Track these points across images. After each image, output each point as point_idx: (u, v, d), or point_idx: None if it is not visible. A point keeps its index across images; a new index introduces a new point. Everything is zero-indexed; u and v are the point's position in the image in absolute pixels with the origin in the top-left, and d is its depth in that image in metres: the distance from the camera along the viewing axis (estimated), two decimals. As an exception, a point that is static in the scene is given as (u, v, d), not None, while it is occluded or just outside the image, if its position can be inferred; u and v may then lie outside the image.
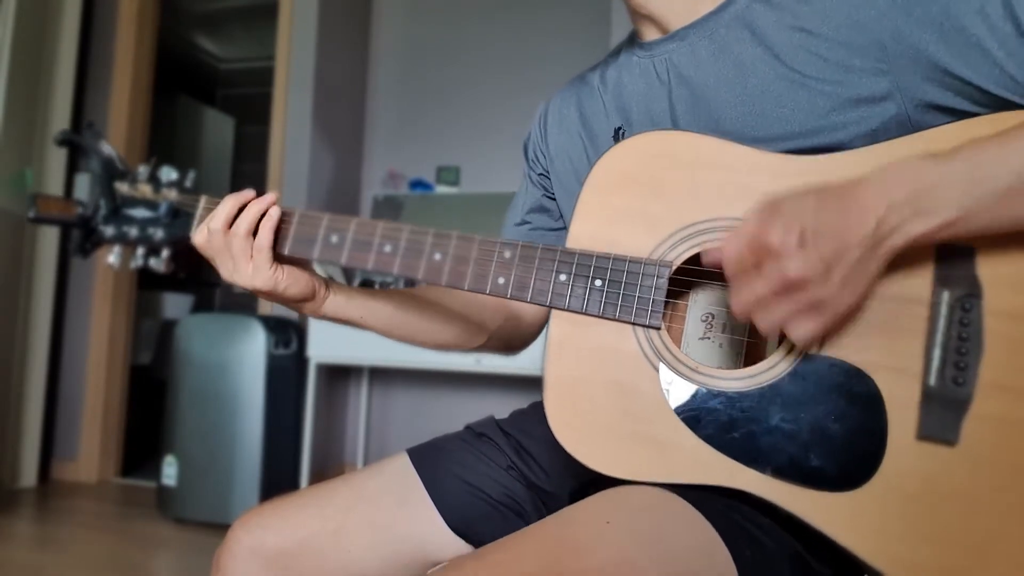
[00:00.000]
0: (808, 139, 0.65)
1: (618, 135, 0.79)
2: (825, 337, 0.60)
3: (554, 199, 0.90)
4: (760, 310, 0.55)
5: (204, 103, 5.07)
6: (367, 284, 2.70)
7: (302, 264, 0.76)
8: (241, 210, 0.73)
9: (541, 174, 0.91)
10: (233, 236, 0.72)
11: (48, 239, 2.96)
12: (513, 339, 0.94)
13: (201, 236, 0.73)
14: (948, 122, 0.61)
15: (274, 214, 0.73)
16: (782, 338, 0.62)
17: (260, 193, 0.74)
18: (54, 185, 2.95)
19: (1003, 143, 0.55)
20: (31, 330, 2.89)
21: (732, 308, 0.57)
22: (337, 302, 0.78)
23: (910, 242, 0.55)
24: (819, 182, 0.58)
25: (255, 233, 0.72)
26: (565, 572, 0.52)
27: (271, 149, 3.02)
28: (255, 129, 4.97)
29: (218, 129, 5.17)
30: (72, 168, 3.06)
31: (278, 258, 0.74)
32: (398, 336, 0.84)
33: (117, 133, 3.11)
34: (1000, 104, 0.59)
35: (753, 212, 0.56)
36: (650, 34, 0.77)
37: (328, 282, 0.78)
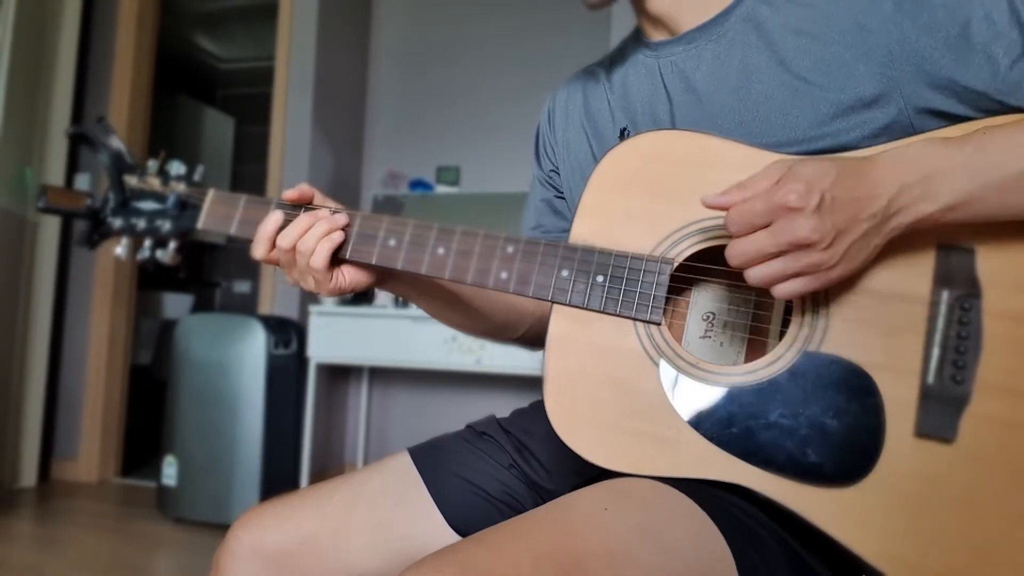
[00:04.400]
0: (811, 144, 0.65)
1: (623, 135, 0.79)
2: (825, 334, 0.60)
3: (563, 198, 0.90)
4: (758, 263, 0.56)
5: (204, 103, 5.07)
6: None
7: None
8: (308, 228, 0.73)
9: (552, 171, 0.91)
10: (298, 255, 0.73)
11: (48, 238, 2.96)
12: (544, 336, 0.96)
13: (261, 249, 0.74)
14: (947, 126, 0.61)
15: (336, 238, 0.72)
16: (782, 335, 0.63)
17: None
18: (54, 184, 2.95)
19: (1014, 132, 0.56)
20: (31, 330, 2.89)
21: (728, 257, 0.57)
22: (403, 279, 0.80)
23: (917, 222, 0.56)
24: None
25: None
26: (562, 555, 0.52)
27: (271, 149, 3.02)
28: (255, 129, 4.97)
29: (218, 129, 5.17)
30: (72, 167, 3.06)
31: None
32: (446, 318, 0.87)
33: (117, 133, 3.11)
34: (1002, 111, 0.60)
35: (768, 170, 0.56)
36: (657, 35, 0.77)
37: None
